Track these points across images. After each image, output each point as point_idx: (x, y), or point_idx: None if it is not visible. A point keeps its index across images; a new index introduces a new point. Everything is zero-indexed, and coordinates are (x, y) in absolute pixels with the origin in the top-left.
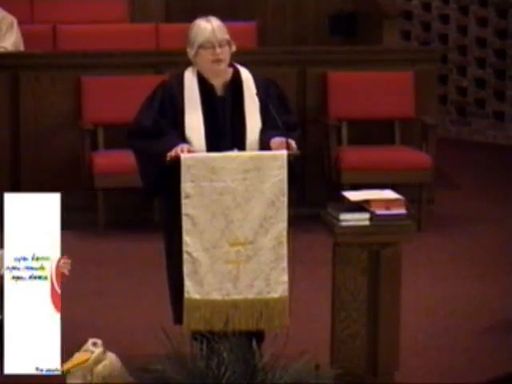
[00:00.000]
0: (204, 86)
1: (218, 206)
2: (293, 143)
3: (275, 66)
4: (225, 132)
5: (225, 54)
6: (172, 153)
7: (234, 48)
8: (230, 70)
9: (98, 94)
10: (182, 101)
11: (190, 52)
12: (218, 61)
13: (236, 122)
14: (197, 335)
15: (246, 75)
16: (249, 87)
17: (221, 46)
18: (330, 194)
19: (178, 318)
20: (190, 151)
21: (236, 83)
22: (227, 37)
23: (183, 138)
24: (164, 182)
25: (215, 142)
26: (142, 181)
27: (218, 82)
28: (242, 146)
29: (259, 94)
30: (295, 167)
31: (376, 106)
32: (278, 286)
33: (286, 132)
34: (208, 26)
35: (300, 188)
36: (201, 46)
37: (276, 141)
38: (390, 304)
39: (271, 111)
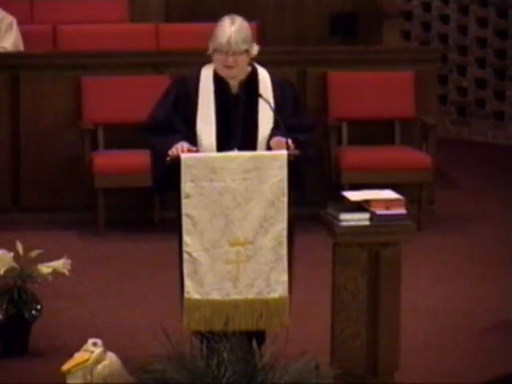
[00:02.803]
0: (219, 83)
1: (218, 206)
2: (289, 142)
3: (275, 66)
4: (236, 130)
5: (238, 61)
6: (171, 151)
7: (254, 52)
8: (248, 69)
9: (98, 94)
10: (196, 96)
11: (209, 49)
12: (229, 67)
13: (248, 121)
14: (197, 334)
15: (263, 75)
16: (265, 87)
17: (234, 54)
18: (330, 193)
19: None
20: (189, 150)
21: (252, 82)
22: (244, 47)
23: (194, 134)
24: (169, 180)
25: (226, 139)
26: (151, 176)
27: (234, 80)
28: (252, 145)
29: (275, 94)
30: (299, 170)
31: (376, 106)
32: (277, 285)
33: (294, 133)
34: (227, 33)
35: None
36: (215, 49)
37: (275, 140)
38: (390, 304)
39: (274, 112)
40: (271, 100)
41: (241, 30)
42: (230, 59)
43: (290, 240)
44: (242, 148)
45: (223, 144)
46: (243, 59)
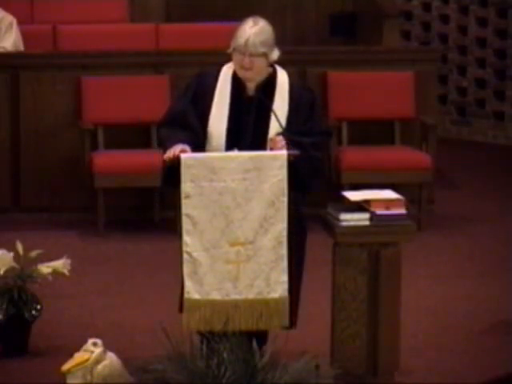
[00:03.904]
0: (237, 83)
1: (218, 206)
2: (282, 142)
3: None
4: (247, 132)
5: (254, 64)
6: (166, 155)
7: (274, 56)
8: (268, 71)
9: (98, 93)
10: (213, 94)
11: (230, 47)
12: (245, 68)
13: (259, 124)
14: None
15: (282, 79)
16: (282, 91)
17: (251, 56)
18: (330, 193)
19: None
20: (183, 151)
21: (269, 85)
22: (262, 50)
23: (205, 132)
24: (174, 177)
25: (236, 141)
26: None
27: (251, 83)
28: (262, 147)
29: (291, 99)
30: (299, 170)
31: (376, 106)
32: (277, 286)
33: (300, 136)
34: (246, 34)
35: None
36: (234, 49)
37: (273, 138)
38: (390, 304)
39: (275, 114)
40: (286, 104)
41: (261, 32)
42: (247, 60)
43: (303, 241)
44: (250, 148)
45: (232, 145)
46: (260, 62)
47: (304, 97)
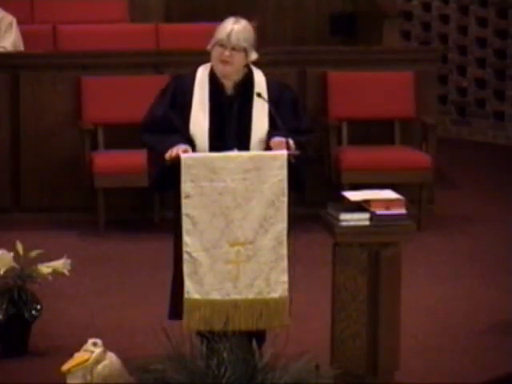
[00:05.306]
0: (215, 83)
1: (218, 206)
2: (290, 142)
3: (275, 66)
4: (229, 131)
5: (234, 58)
6: (167, 154)
7: (253, 56)
8: (244, 71)
9: (98, 94)
10: (191, 95)
11: (209, 45)
12: (225, 62)
13: (242, 122)
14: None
15: (259, 77)
16: (260, 90)
17: (233, 49)
18: (329, 193)
19: (174, 314)
20: (185, 151)
21: (247, 84)
22: (244, 45)
23: (188, 133)
24: (167, 180)
25: (219, 140)
26: (147, 175)
27: (229, 81)
28: (246, 146)
29: (270, 97)
30: (300, 171)
31: (376, 106)
32: (277, 286)
33: (293, 135)
34: (228, 28)
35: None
36: (216, 43)
37: (275, 140)
38: (390, 304)
39: (273, 113)
40: (266, 103)
41: (243, 30)
42: (227, 53)
43: (287, 239)
44: (232, 148)
45: (216, 144)
46: (240, 58)
47: (285, 94)
